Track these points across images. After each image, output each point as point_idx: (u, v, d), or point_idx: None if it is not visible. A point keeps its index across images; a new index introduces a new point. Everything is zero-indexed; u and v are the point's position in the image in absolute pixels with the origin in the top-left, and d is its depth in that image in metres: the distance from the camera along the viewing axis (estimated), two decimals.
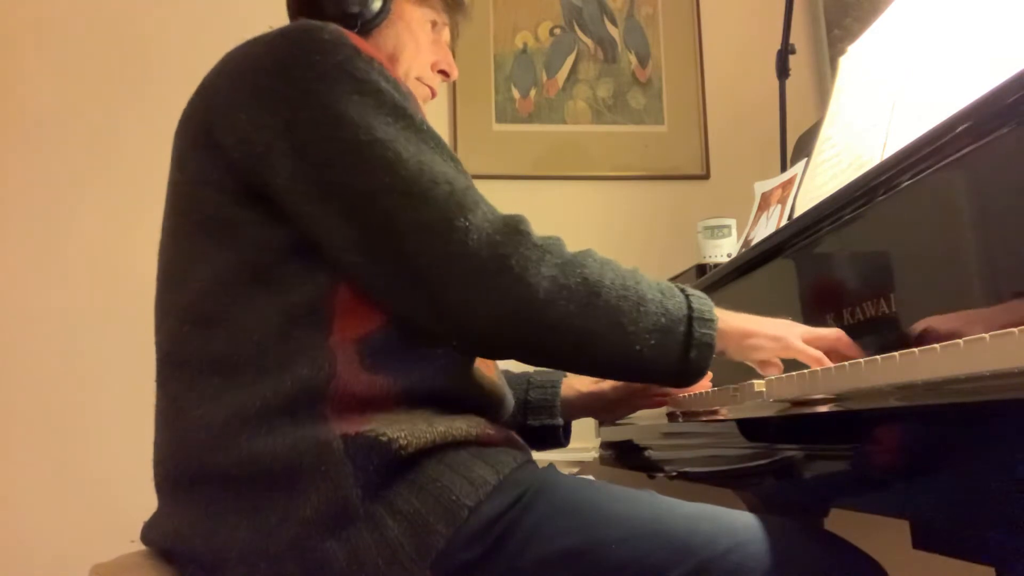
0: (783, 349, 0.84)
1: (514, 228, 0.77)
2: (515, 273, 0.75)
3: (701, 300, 0.83)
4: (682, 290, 0.83)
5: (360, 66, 0.79)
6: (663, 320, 0.79)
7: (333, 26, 0.83)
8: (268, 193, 0.79)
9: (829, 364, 0.79)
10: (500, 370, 0.99)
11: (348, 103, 0.77)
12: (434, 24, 1.04)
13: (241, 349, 0.77)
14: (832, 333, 0.85)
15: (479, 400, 0.86)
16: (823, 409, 0.67)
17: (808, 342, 0.84)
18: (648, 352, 0.78)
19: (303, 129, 0.77)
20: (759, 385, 0.79)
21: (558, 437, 1.18)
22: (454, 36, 1.10)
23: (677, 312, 0.80)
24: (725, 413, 0.88)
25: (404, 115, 0.79)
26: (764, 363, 0.86)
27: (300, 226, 0.78)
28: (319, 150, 0.77)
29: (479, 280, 0.75)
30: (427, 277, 0.75)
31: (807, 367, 0.79)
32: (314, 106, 0.77)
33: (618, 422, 1.43)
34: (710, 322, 0.81)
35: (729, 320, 0.84)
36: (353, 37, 0.82)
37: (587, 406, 1.20)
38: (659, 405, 1.15)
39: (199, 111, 0.84)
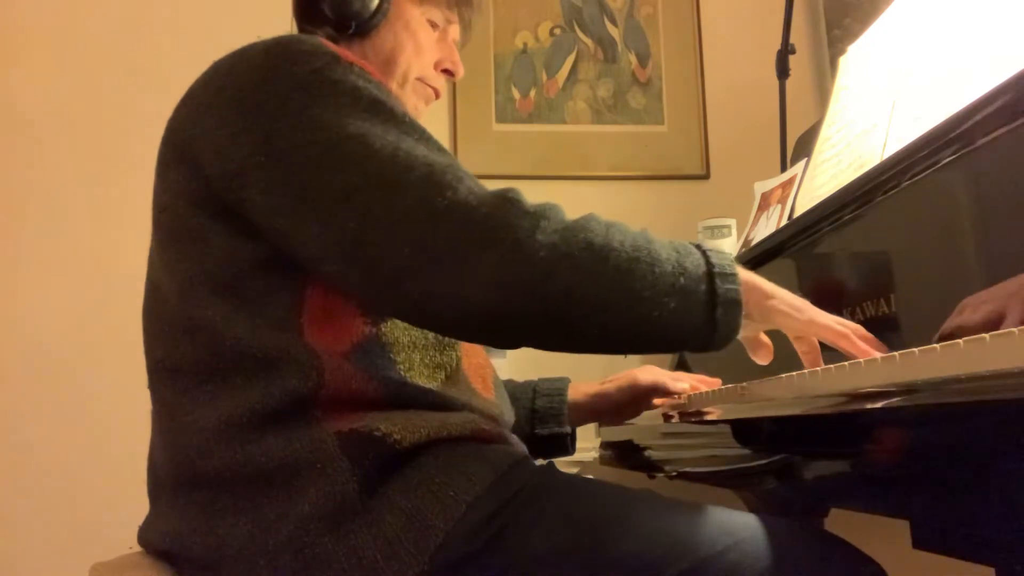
0: (807, 322, 0.77)
1: (501, 198, 0.71)
2: (507, 246, 0.69)
3: (720, 255, 0.76)
4: (698, 246, 0.77)
5: (337, 69, 0.78)
6: (682, 280, 0.72)
7: (315, 38, 0.82)
8: (241, 209, 0.78)
9: (855, 342, 0.75)
10: (500, 383, 0.99)
11: (324, 106, 0.76)
12: (434, 24, 1.02)
13: (224, 356, 0.77)
14: (852, 324, 0.78)
15: (471, 411, 0.85)
16: (827, 410, 0.67)
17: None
18: (669, 317, 0.71)
19: (281, 138, 0.76)
20: (759, 385, 0.79)
21: (566, 445, 1.18)
22: (465, 30, 1.07)
23: (696, 270, 0.73)
24: (720, 413, 0.88)
25: (383, 109, 0.77)
26: (758, 344, 0.82)
27: (275, 242, 0.77)
28: (294, 158, 0.75)
29: (468, 261, 0.69)
30: (413, 270, 0.70)
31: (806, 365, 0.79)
32: (290, 113, 0.76)
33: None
34: (732, 276, 0.74)
35: (750, 278, 0.77)
36: (333, 46, 0.82)
37: (594, 408, 1.20)
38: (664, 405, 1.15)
39: (183, 123, 0.84)
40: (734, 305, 0.73)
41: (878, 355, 0.69)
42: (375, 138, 0.74)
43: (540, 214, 0.71)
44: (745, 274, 0.76)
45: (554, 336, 0.74)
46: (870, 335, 0.78)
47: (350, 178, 0.73)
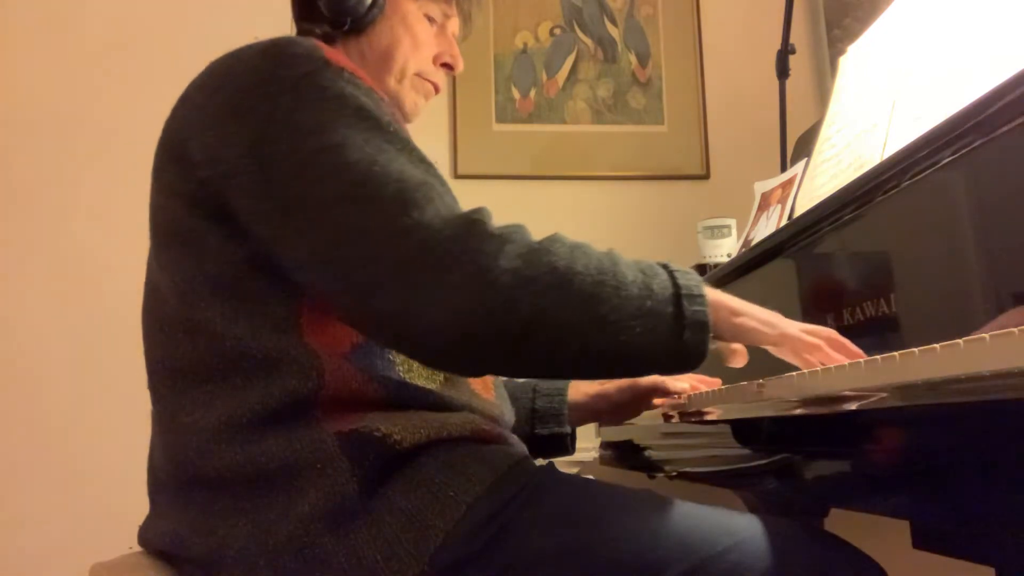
0: (779, 336, 0.77)
1: (466, 221, 0.71)
2: (468, 271, 0.68)
3: (687, 276, 0.75)
4: (665, 266, 0.76)
5: (327, 75, 0.78)
6: (648, 303, 0.71)
7: (308, 41, 0.82)
8: (232, 213, 0.78)
9: (827, 352, 0.75)
10: (500, 384, 0.98)
11: (309, 112, 0.76)
12: (431, 19, 1.01)
13: (224, 356, 0.77)
14: (824, 330, 0.79)
15: (471, 411, 0.85)
16: (826, 410, 0.67)
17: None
18: (636, 341, 0.71)
19: (268, 143, 0.76)
20: (759, 385, 0.79)
21: (565, 445, 1.18)
22: (465, 23, 1.06)
23: (662, 292, 0.72)
24: (721, 413, 0.88)
25: (367, 117, 0.77)
26: (730, 351, 0.81)
27: (262, 248, 0.77)
28: (281, 164, 0.75)
29: (430, 283, 0.69)
30: (377, 288, 0.70)
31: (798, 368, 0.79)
32: (278, 118, 0.76)
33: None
34: (699, 298, 0.74)
35: (717, 296, 0.77)
36: (327, 50, 0.81)
37: (593, 408, 1.20)
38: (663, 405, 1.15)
39: (179, 124, 0.84)
40: (701, 327, 0.73)
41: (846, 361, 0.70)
42: (354, 149, 0.74)
43: (505, 238, 0.71)
44: (713, 293, 0.76)
45: (519, 363, 0.73)
46: (843, 341, 0.78)
47: (326, 191, 0.73)
